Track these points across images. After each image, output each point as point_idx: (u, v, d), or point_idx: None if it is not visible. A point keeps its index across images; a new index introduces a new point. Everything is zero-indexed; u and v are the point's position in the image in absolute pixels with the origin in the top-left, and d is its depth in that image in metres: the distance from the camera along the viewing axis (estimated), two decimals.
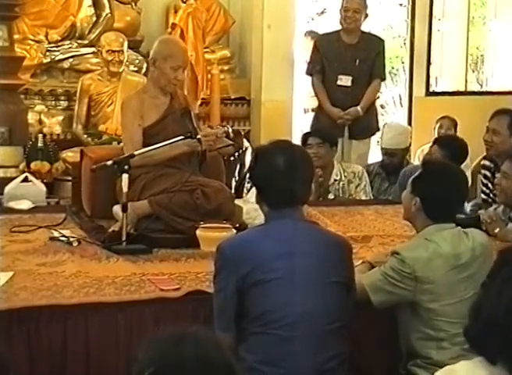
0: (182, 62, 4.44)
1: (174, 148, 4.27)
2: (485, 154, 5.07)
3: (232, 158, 6.07)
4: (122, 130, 4.55)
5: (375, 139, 6.97)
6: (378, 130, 6.79)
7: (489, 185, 4.89)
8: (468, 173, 6.53)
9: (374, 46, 6.73)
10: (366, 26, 6.92)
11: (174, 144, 4.23)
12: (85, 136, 6.78)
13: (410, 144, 6.48)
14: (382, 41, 6.88)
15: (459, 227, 3.31)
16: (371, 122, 6.74)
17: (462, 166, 6.26)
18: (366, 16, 6.69)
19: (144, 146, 4.27)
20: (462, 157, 5.61)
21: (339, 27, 6.72)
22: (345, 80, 6.58)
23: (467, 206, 5.04)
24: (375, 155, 6.83)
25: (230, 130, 4.57)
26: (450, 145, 5.62)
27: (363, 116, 6.57)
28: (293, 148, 3.12)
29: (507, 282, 2.05)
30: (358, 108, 6.54)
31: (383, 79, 6.88)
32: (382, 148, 6.20)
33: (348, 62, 6.61)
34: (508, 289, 2.04)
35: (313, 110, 7.28)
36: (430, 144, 5.83)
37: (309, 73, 6.81)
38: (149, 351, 1.82)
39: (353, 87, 6.57)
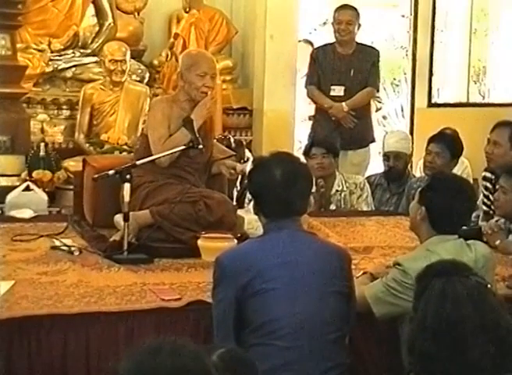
0: (207, 69, 4.37)
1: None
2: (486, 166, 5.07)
3: None
4: (150, 129, 4.42)
5: (372, 150, 6.95)
6: (373, 141, 6.80)
7: (490, 197, 4.89)
8: (466, 171, 6.57)
9: (369, 56, 6.75)
10: (368, 37, 6.92)
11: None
12: (87, 145, 6.79)
13: (411, 154, 6.46)
14: (377, 51, 6.89)
15: (461, 239, 3.31)
16: (365, 133, 6.74)
17: (461, 170, 6.31)
18: (359, 26, 6.71)
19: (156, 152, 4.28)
20: (457, 144, 5.66)
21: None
22: (337, 90, 6.61)
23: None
24: (375, 167, 6.82)
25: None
26: (444, 138, 5.70)
27: (357, 127, 6.58)
28: (292, 161, 3.13)
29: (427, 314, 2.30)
30: (343, 104, 6.56)
31: (377, 90, 6.92)
32: (385, 155, 6.13)
33: (342, 73, 6.64)
34: (430, 321, 2.29)
35: (310, 118, 7.28)
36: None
37: (306, 85, 6.84)
38: (126, 362, 1.82)
39: (346, 96, 6.59)
